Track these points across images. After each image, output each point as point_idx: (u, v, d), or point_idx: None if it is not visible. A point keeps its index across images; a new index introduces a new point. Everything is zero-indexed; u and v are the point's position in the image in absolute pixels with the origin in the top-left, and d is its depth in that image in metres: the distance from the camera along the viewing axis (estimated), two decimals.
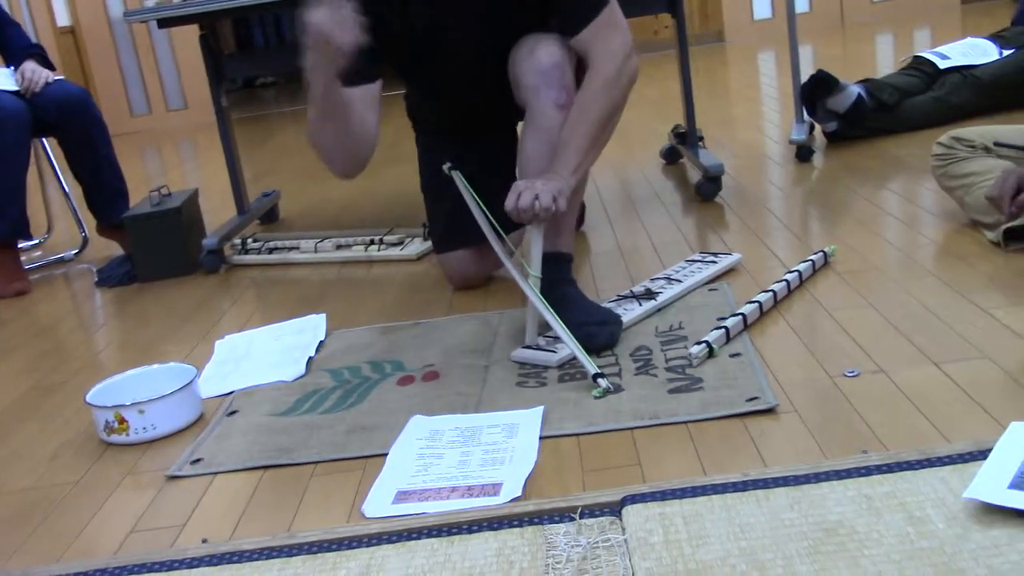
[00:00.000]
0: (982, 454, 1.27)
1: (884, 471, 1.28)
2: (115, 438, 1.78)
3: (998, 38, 3.46)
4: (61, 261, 3.35)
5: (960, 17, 6.10)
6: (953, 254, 2.12)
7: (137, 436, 1.77)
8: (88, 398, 1.84)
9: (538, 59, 1.92)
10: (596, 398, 1.67)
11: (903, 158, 2.95)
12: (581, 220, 2.77)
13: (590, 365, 1.71)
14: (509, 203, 1.82)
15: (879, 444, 1.40)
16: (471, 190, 1.94)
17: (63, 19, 6.48)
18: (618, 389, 1.69)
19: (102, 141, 3.16)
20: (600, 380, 1.68)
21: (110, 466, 1.72)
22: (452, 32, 1.99)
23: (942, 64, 3.36)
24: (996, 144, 2.18)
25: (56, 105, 3.06)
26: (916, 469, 1.28)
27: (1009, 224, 2.05)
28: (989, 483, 1.18)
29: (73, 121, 3.08)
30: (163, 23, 2.85)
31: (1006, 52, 3.36)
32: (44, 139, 3.45)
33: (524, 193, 1.80)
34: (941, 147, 2.31)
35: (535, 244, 1.88)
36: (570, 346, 1.77)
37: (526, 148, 1.96)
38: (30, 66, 3.06)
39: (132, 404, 1.77)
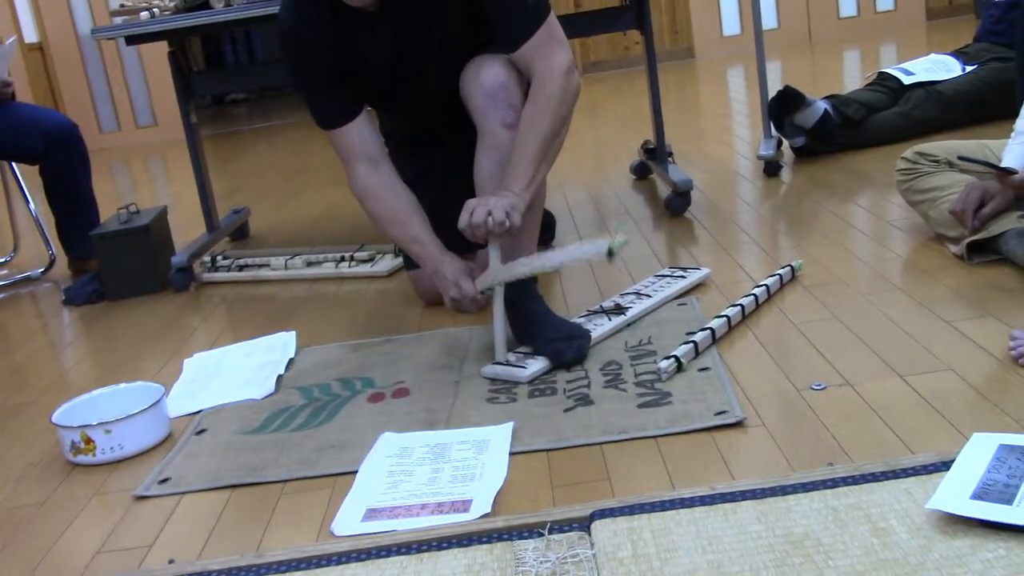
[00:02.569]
0: (945, 465, 1.28)
1: (849, 483, 1.30)
2: (81, 458, 1.76)
3: (961, 54, 3.51)
4: (28, 280, 3.32)
5: (925, 34, 6.20)
6: (918, 268, 2.14)
7: (104, 456, 1.76)
8: (54, 418, 1.82)
9: (482, 81, 1.95)
10: (611, 251, 1.70)
11: (869, 173, 2.99)
12: (552, 235, 2.78)
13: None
14: (462, 221, 1.83)
15: (845, 456, 1.41)
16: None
17: (31, 36, 6.44)
18: (588, 403, 1.70)
19: (84, 175, 3.15)
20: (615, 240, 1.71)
21: (76, 487, 1.70)
22: (402, 66, 2.02)
23: (907, 80, 3.41)
24: (960, 159, 2.22)
25: (43, 136, 3.04)
26: (880, 480, 1.29)
27: (972, 238, 2.08)
28: (952, 494, 1.20)
29: (59, 154, 3.07)
30: (131, 40, 2.84)
31: (969, 68, 3.42)
32: (13, 163, 3.42)
33: (477, 210, 1.81)
34: (906, 162, 2.34)
35: (493, 260, 1.88)
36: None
37: (480, 168, 1.99)
38: None
39: (99, 424, 1.75)
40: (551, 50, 1.90)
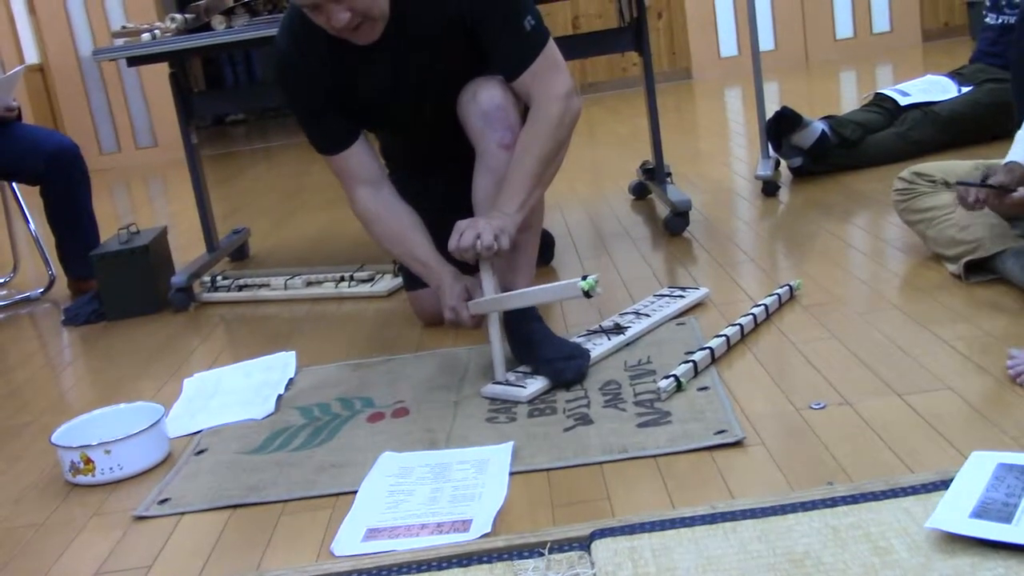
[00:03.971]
0: (944, 484, 1.28)
1: (849, 502, 1.30)
2: (81, 479, 1.76)
3: (957, 75, 3.54)
4: (27, 300, 3.32)
5: (921, 55, 6.23)
6: (916, 287, 2.15)
7: (103, 476, 1.75)
8: (53, 438, 1.82)
9: (480, 103, 1.96)
10: (586, 292, 1.69)
11: (866, 193, 3.00)
12: (551, 256, 2.79)
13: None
14: (452, 243, 1.84)
15: (844, 475, 1.41)
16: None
17: (32, 57, 6.47)
18: (587, 423, 1.70)
19: (84, 195, 3.15)
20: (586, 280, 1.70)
21: (76, 507, 1.70)
22: (398, 97, 2.04)
23: (903, 101, 3.43)
24: (958, 183, 2.22)
25: (44, 156, 3.05)
26: (880, 500, 1.29)
27: (970, 257, 2.09)
28: (951, 513, 1.20)
29: (60, 174, 3.07)
30: (132, 61, 2.86)
31: (965, 89, 3.44)
32: (13, 183, 3.43)
33: (466, 232, 1.82)
34: (902, 182, 2.35)
35: (486, 281, 1.89)
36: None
37: (476, 189, 2.00)
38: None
39: (98, 444, 1.75)
40: (550, 75, 1.92)
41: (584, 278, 1.70)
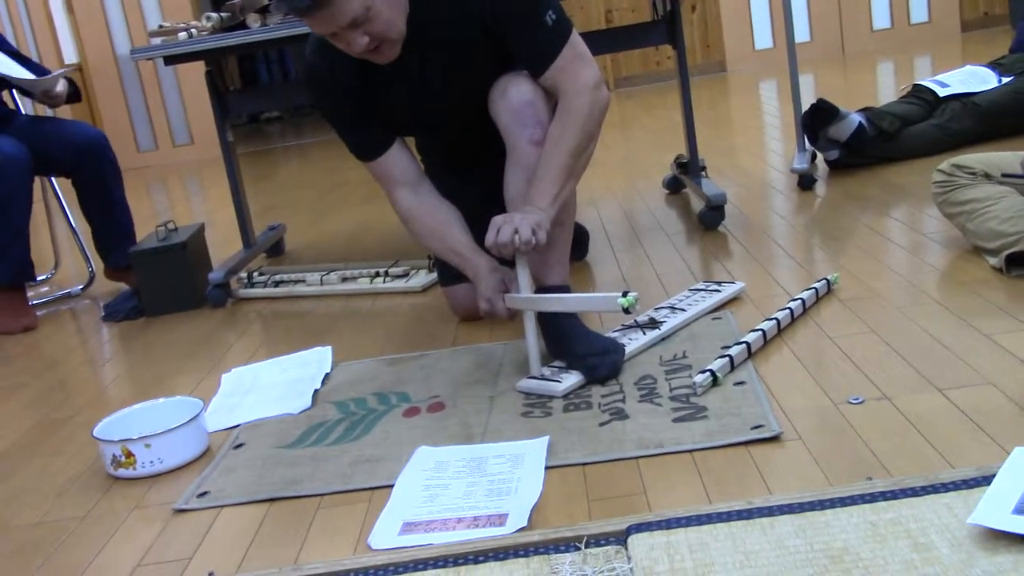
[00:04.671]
0: (986, 480, 1.27)
1: (888, 497, 1.29)
2: (122, 472, 1.79)
3: (997, 66, 3.49)
4: (68, 296, 3.37)
5: (960, 45, 6.15)
6: (956, 280, 2.12)
7: (144, 470, 1.78)
8: (95, 432, 1.85)
9: (509, 100, 1.96)
10: (625, 309, 1.70)
11: (904, 186, 2.97)
12: (585, 251, 2.79)
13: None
14: (489, 239, 1.84)
15: (883, 471, 1.40)
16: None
17: (70, 56, 6.55)
18: (623, 417, 1.70)
19: (115, 184, 3.19)
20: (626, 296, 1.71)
21: (117, 500, 1.72)
22: (428, 104, 2.05)
23: (942, 92, 3.39)
24: (1004, 176, 2.19)
25: (74, 148, 3.09)
26: (920, 495, 1.28)
27: (1012, 250, 2.06)
28: (993, 509, 1.18)
29: (89, 164, 3.11)
30: (170, 60, 2.88)
31: (1005, 79, 3.39)
32: (52, 178, 3.48)
33: (503, 228, 1.82)
34: (942, 174, 2.32)
35: (522, 277, 1.89)
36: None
37: (508, 185, 2.00)
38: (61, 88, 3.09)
39: (139, 438, 1.77)
40: (576, 68, 1.91)
41: (624, 295, 1.70)
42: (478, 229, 1.98)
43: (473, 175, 2.28)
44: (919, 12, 6.61)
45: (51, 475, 1.87)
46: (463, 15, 1.93)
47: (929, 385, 1.64)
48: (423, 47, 1.96)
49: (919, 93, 3.45)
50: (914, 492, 1.29)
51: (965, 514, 1.20)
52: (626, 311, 1.71)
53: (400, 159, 2.09)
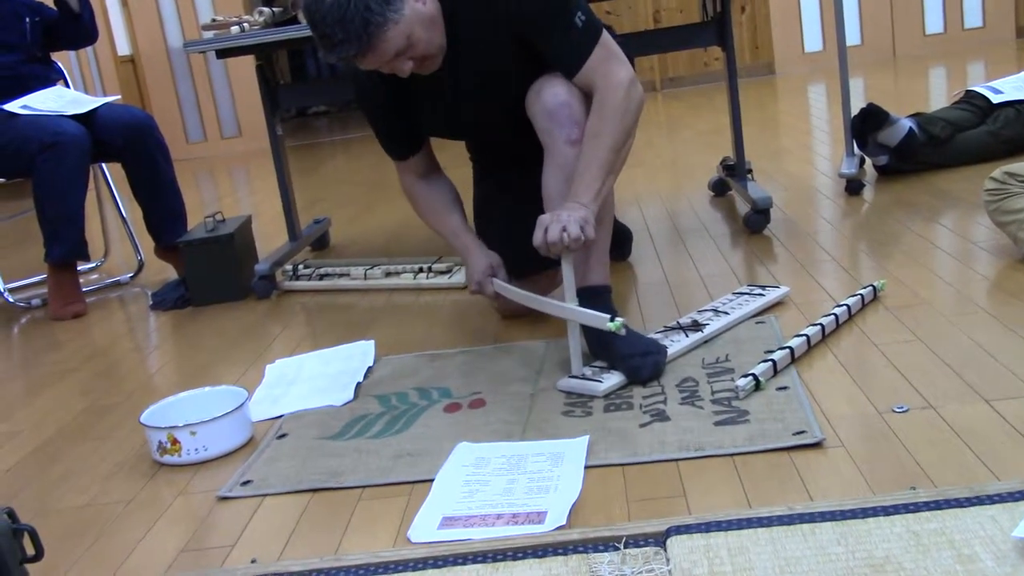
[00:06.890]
0: None
1: (932, 508, 1.27)
2: (168, 459, 1.82)
3: None
4: (117, 284, 3.43)
5: (1015, 51, 6.05)
6: (1005, 290, 2.09)
7: (189, 457, 1.81)
8: (142, 419, 1.88)
9: (544, 101, 1.96)
10: (615, 330, 1.77)
11: (954, 193, 2.93)
12: (628, 251, 2.78)
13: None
14: (537, 238, 1.84)
15: (927, 481, 1.39)
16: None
17: (124, 48, 6.67)
18: (664, 419, 1.70)
19: (165, 165, 3.23)
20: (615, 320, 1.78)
21: (162, 486, 1.75)
22: (466, 115, 2.09)
23: (995, 98, 3.34)
24: None
25: (122, 130, 3.13)
26: (965, 507, 1.27)
27: None
28: None
29: (138, 146, 3.16)
30: (221, 54, 2.92)
31: None
32: (103, 165, 3.54)
33: (551, 226, 1.82)
34: (993, 182, 2.29)
35: (567, 275, 1.89)
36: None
37: (547, 186, 2.01)
38: None
39: (184, 426, 1.80)
40: (609, 66, 1.91)
41: (612, 319, 1.79)
42: (518, 233, 1.98)
43: (512, 178, 2.29)
44: (973, 17, 6.51)
45: (99, 459, 1.91)
46: (490, 14, 1.95)
47: (975, 395, 1.62)
48: (456, 61, 1.98)
49: (972, 99, 3.40)
50: (958, 503, 1.28)
51: (1010, 527, 1.19)
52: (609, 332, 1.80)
53: (423, 161, 2.21)
